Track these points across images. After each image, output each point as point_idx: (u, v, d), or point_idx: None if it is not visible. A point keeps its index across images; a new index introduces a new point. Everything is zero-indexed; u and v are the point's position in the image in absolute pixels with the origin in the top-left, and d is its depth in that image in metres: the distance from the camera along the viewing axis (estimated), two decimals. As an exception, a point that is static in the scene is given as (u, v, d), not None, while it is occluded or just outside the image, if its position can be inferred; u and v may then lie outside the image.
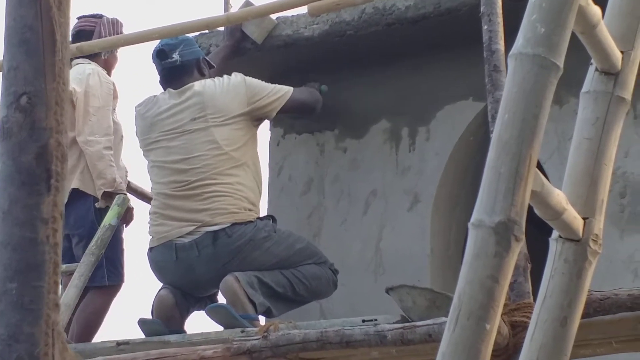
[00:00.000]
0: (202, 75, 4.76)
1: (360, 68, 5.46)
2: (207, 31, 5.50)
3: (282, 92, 4.79)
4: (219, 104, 4.60)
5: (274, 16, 5.28)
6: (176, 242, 4.47)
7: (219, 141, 4.52)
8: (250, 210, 4.49)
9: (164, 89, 4.79)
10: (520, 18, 1.80)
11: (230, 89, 4.64)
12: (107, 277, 4.87)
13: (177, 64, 4.72)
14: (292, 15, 5.34)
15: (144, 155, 4.77)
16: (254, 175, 4.62)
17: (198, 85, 4.66)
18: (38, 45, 1.36)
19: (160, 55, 4.73)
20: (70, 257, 4.86)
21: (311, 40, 5.29)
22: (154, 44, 4.89)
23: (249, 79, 4.75)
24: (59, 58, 1.33)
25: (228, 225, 4.42)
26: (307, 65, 5.50)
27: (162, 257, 4.52)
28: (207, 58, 4.90)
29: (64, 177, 1.34)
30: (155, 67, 4.83)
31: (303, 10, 4.78)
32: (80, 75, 5.10)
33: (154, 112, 4.71)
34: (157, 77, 4.87)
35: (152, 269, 4.61)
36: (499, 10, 3.48)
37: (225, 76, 4.73)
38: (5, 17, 1.41)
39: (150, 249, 4.59)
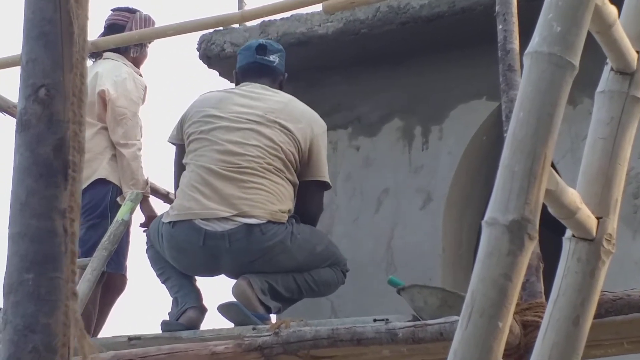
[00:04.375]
0: (280, 88, 4.71)
1: (374, 66, 5.47)
2: (221, 28, 5.51)
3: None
4: (294, 118, 4.53)
5: (288, 13, 5.29)
6: (206, 229, 4.36)
7: (279, 143, 4.45)
8: (283, 212, 4.42)
9: (239, 81, 4.71)
10: (535, 17, 1.80)
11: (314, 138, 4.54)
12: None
13: (273, 64, 4.68)
14: (307, 13, 5.35)
15: (192, 124, 4.57)
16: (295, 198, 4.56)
17: (288, 96, 4.62)
18: (57, 38, 1.37)
19: (260, 50, 4.69)
20: None
21: (325, 38, 5.31)
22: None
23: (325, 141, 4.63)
24: (76, 49, 1.34)
25: (264, 221, 4.34)
26: (321, 63, 5.50)
27: (186, 237, 4.36)
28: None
29: (82, 169, 1.35)
30: (242, 58, 4.73)
31: (318, 8, 4.79)
32: (117, 77, 5.11)
33: (227, 94, 4.63)
34: (239, 68, 4.74)
35: (169, 246, 4.43)
36: (514, 10, 3.48)
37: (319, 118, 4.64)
38: (24, 9, 1.42)
39: (172, 223, 4.41)
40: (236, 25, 5.48)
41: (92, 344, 1.33)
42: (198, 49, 5.73)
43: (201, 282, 4.62)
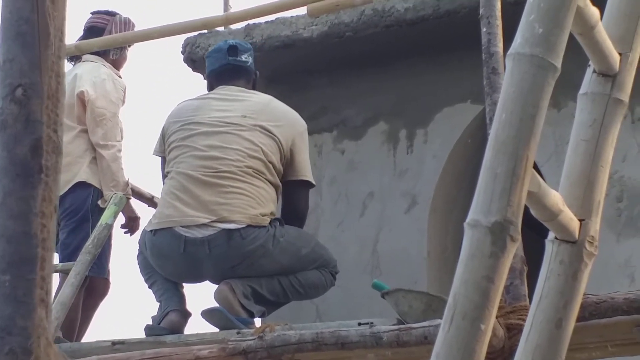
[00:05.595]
0: (254, 87, 4.70)
1: (359, 69, 5.46)
2: (206, 31, 5.50)
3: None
4: (275, 118, 4.52)
5: (273, 16, 5.28)
6: (186, 236, 4.35)
7: (259, 145, 4.44)
8: (264, 216, 4.39)
9: (213, 85, 4.67)
10: (519, 21, 1.80)
11: (295, 133, 4.53)
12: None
13: (247, 64, 4.64)
14: (291, 16, 5.35)
15: (172, 133, 4.55)
16: (278, 200, 4.54)
17: (267, 97, 4.62)
18: (34, 38, 1.36)
19: (231, 51, 4.65)
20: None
21: (310, 41, 5.30)
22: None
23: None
24: (51, 52, 1.34)
25: (243, 226, 4.32)
26: (305, 66, 5.50)
27: (168, 245, 4.36)
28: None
29: (59, 170, 1.34)
30: (213, 61, 4.70)
31: (302, 11, 4.79)
32: (95, 78, 5.10)
33: (204, 100, 4.61)
34: (210, 71, 4.71)
35: (152, 254, 4.43)
36: (498, 13, 3.48)
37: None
38: (2, 9, 1.41)
39: (153, 231, 4.42)
40: (221, 28, 5.47)
41: (57, 352, 1.31)
42: (182, 52, 5.72)
43: (186, 287, 4.61)
